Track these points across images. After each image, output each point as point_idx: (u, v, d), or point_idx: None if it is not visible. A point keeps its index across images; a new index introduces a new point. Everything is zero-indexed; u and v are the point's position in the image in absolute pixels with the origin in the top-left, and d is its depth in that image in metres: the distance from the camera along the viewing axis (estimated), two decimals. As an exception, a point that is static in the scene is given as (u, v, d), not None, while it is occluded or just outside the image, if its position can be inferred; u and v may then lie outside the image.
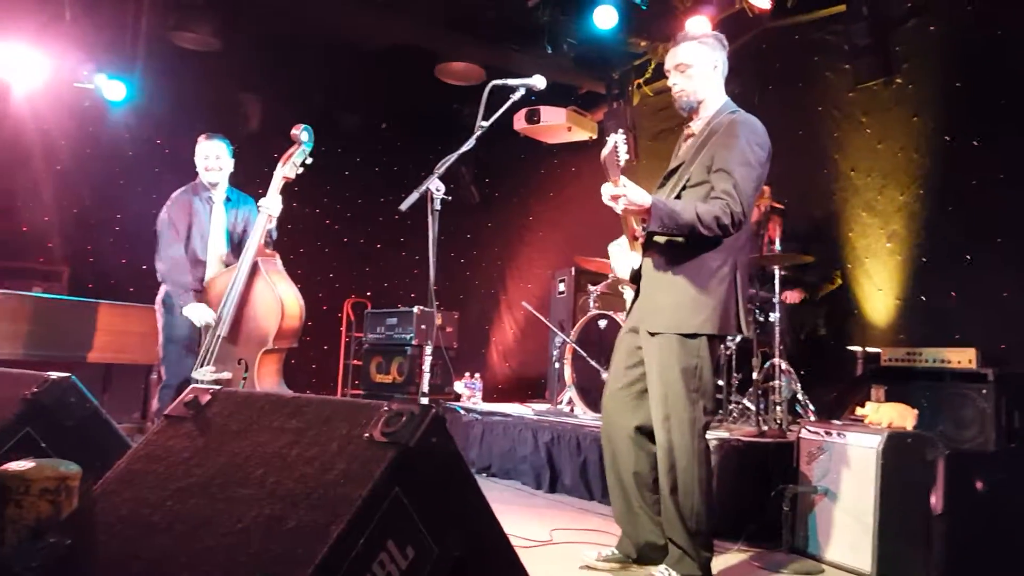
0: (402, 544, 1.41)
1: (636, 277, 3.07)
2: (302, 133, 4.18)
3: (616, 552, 3.12)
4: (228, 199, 4.47)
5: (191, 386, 1.86)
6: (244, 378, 3.96)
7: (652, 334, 2.91)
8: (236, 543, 1.38)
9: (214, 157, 4.37)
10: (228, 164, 4.45)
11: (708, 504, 2.85)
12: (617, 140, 2.71)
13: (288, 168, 4.15)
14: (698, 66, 3.00)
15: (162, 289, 4.37)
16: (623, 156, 2.72)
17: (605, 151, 2.67)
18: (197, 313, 4.09)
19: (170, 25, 6.51)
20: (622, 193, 2.72)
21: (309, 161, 4.22)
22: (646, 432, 3.00)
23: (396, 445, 1.43)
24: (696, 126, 3.07)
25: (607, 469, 3.15)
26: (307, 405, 1.63)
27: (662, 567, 2.86)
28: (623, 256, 3.15)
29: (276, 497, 1.44)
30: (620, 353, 3.11)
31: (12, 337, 5.52)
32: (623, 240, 3.14)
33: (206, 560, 1.38)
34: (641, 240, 3.01)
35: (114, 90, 6.73)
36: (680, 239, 2.86)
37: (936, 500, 1.57)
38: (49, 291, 6.19)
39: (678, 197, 2.94)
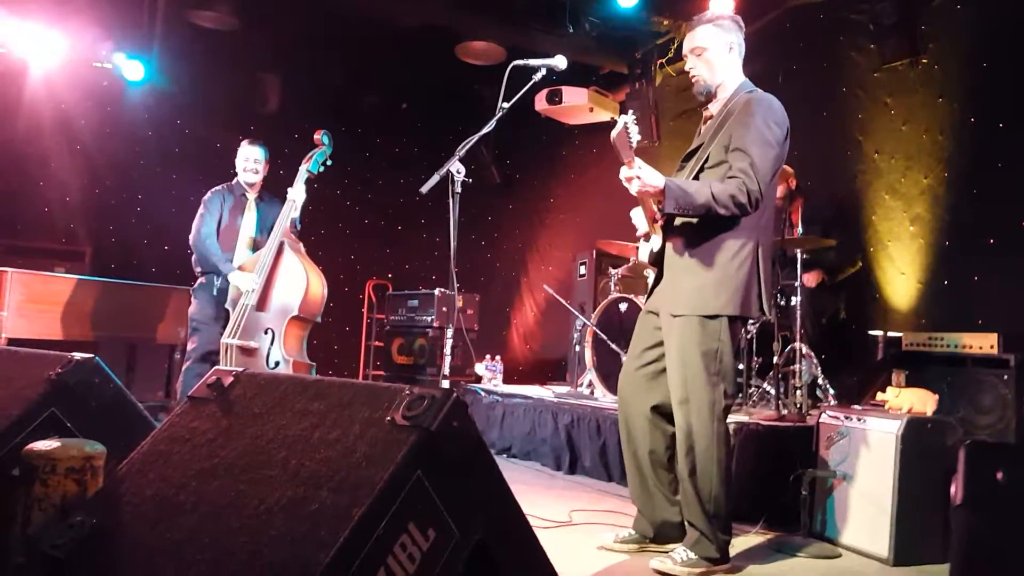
0: (423, 527, 1.42)
1: (656, 260, 3.06)
2: (323, 137, 4.63)
3: (633, 533, 3.14)
4: (260, 199, 4.88)
5: (215, 368, 1.87)
6: (271, 346, 4.26)
7: (673, 316, 2.90)
8: (259, 524, 1.40)
9: (252, 160, 4.81)
10: (264, 168, 4.86)
11: (727, 487, 2.86)
12: (627, 121, 2.70)
13: (312, 164, 4.60)
14: (713, 49, 3.00)
15: (197, 280, 4.72)
16: (635, 137, 2.71)
17: (615, 132, 2.67)
18: (242, 279, 4.41)
19: (188, 4, 6.52)
20: (635, 175, 2.72)
21: (329, 163, 4.68)
22: (662, 412, 3.02)
23: (418, 428, 1.44)
24: (714, 108, 3.07)
25: (624, 449, 3.17)
26: (329, 388, 1.64)
27: (680, 548, 2.88)
28: (644, 243, 3.15)
29: (299, 479, 1.45)
30: (639, 334, 3.12)
31: (37, 318, 5.59)
32: (639, 210, 3.11)
33: (230, 541, 1.39)
34: (661, 222, 2.99)
35: (133, 70, 6.74)
36: (697, 220, 2.86)
37: (956, 490, 1.56)
38: (72, 271, 6.24)
39: (696, 177, 2.93)
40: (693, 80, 3.02)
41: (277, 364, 4.20)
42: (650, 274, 3.21)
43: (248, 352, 4.24)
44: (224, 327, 4.39)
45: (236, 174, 4.86)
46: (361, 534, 1.32)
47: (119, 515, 1.57)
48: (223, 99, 7.33)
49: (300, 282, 4.33)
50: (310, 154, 4.60)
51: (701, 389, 2.82)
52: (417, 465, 1.40)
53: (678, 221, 2.95)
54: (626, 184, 2.78)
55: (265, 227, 4.79)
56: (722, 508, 2.84)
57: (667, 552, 2.93)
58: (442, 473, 1.45)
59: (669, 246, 3.00)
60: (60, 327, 5.66)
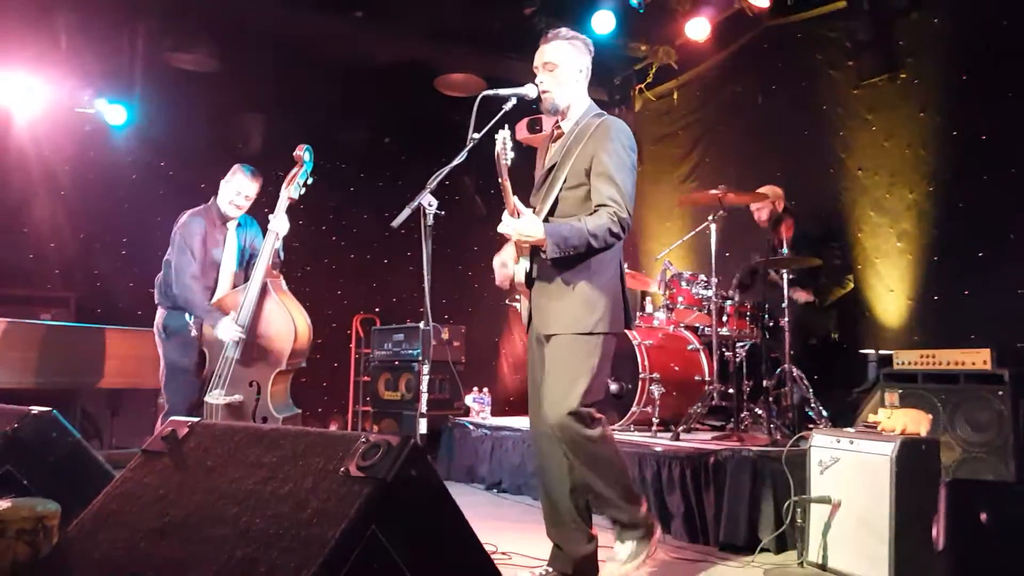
0: (381, 583, 1.34)
1: (530, 281, 3.06)
2: (304, 153, 4.34)
3: (550, 569, 3.07)
4: (239, 224, 4.53)
5: (170, 418, 1.80)
6: (257, 399, 4.03)
7: (548, 336, 2.94)
8: (207, 588, 1.33)
9: (244, 196, 4.42)
10: (252, 200, 4.50)
11: (624, 474, 2.94)
12: (504, 137, 2.77)
13: (293, 189, 4.27)
14: (565, 67, 3.03)
15: (160, 313, 4.41)
16: (510, 155, 2.78)
17: (497, 148, 2.78)
18: (226, 330, 4.07)
19: (167, 47, 6.52)
20: (510, 230, 2.84)
21: (310, 181, 4.36)
22: None
23: (372, 480, 1.37)
24: (565, 126, 3.09)
25: (537, 482, 3.18)
26: (284, 438, 1.57)
27: (616, 545, 2.97)
28: (513, 265, 3.13)
29: (249, 538, 1.38)
30: (531, 363, 3.13)
31: (21, 366, 5.51)
32: (509, 249, 3.16)
33: (176, 607, 1.32)
34: (528, 246, 2.99)
35: (115, 114, 6.72)
36: None
37: (937, 533, 1.48)
38: (57, 318, 6.18)
39: (556, 200, 2.98)
40: (543, 95, 3.02)
41: (264, 420, 3.98)
42: (522, 300, 3.16)
43: (233, 409, 3.99)
44: (200, 372, 4.15)
45: (215, 197, 4.46)
46: (312, 596, 1.24)
47: (65, 581, 1.50)
48: (206, 140, 7.29)
49: (288, 333, 4.07)
50: (291, 174, 4.26)
51: (576, 399, 2.81)
52: (372, 519, 1.33)
53: None
54: (506, 233, 2.86)
55: (244, 257, 4.49)
56: (628, 491, 2.93)
57: (607, 560, 2.97)
58: (400, 526, 1.38)
59: (536, 269, 3.01)
60: (43, 374, 5.58)
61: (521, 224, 2.81)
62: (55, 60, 6.31)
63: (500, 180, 2.82)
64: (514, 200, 2.87)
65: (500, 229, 2.87)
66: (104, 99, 6.68)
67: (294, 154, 4.34)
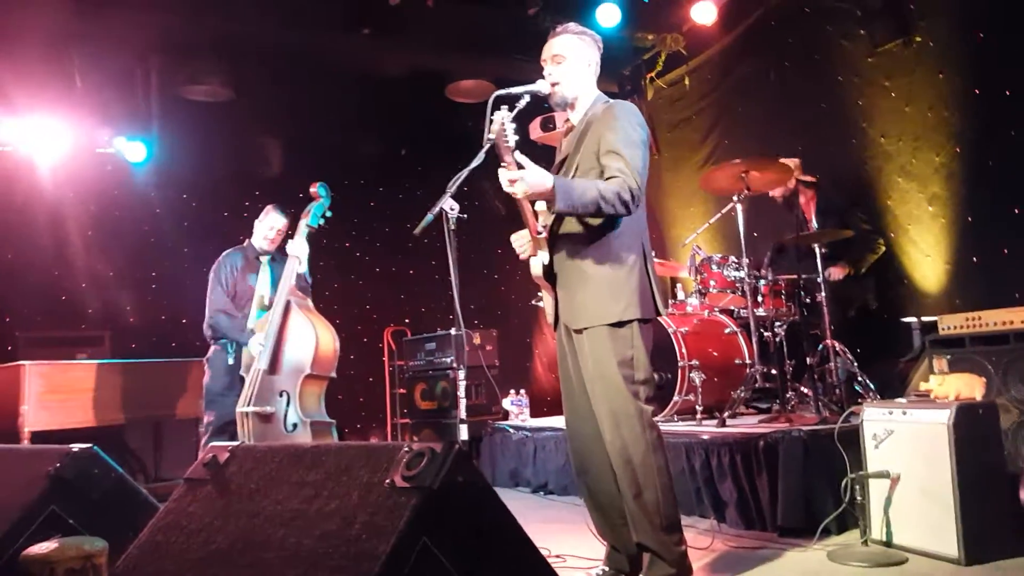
0: (437, 595, 1.30)
1: (548, 275, 2.97)
2: (319, 189, 4.60)
3: (607, 569, 3.00)
4: (273, 259, 4.90)
5: (210, 444, 1.78)
6: (287, 408, 4.19)
7: (579, 331, 2.85)
8: (260, 614, 1.29)
9: (276, 230, 4.83)
10: (282, 236, 4.88)
11: (670, 494, 2.76)
12: (503, 119, 2.66)
13: (311, 219, 4.56)
14: (573, 60, 2.99)
15: (211, 349, 4.78)
16: (511, 137, 2.66)
17: (494, 130, 2.65)
18: (256, 344, 4.36)
19: (180, 81, 6.59)
20: (518, 177, 2.64)
21: (328, 214, 4.64)
22: None
23: (419, 489, 1.33)
24: (575, 118, 3.05)
25: (577, 483, 3.08)
26: (325, 454, 1.53)
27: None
28: (532, 259, 3.03)
29: (299, 559, 1.35)
30: (564, 358, 3.03)
31: (59, 408, 5.55)
32: (525, 233, 3.03)
33: (230, 635, 1.29)
34: (545, 237, 2.91)
35: (134, 151, 6.83)
36: (583, 230, 2.83)
37: None
38: (93, 356, 6.23)
39: None
40: (552, 88, 2.98)
41: (295, 427, 4.10)
42: (545, 296, 3.06)
43: (265, 418, 4.14)
44: (239, 396, 4.31)
45: (249, 237, 4.90)
46: (368, 614, 1.21)
47: (117, 617, 1.47)
48: (225, 168, 7.37)
49: (310, 339, 4.24)
50: (308, 208, 4.56)
51: (625, 400, 2.74)
52: (422, 531, 1.29)
53: (563, 231, 2.90)
54: (509, 188, 2.69)
55: (277, 285, 4.74)
56: (671, 519, 2.74)
57: None
58: (451, 535, 1.34)
59: (558, 260, 2.93)
60: (84, 414, 5.63)
61: (529, 174, 2.65)
62: (72, 102, 6.39)
63: (504, 163, 2.68)
64: (521, 158, 2.72)
65: (506, 188, 2.70)
66: (123, 137, 6.78)
67: (310, 191, 4.59)
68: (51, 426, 5.43)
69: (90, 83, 6.41)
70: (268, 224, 4.83)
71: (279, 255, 4.88)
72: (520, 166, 2.69)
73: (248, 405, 4.16)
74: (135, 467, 6.15)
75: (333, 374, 4.39)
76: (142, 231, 7.14)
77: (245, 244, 4.89)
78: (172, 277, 6.92)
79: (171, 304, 7.02)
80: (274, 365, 4.25)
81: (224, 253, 4.84)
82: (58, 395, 5.55)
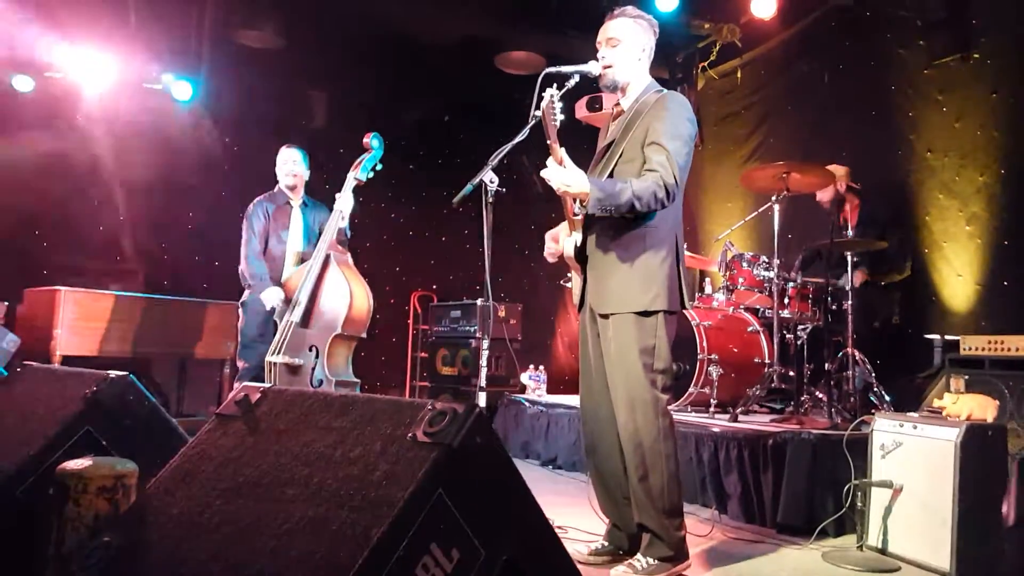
0: (446, 547, 1.38)
1: (580, 258, 3.03)
2: (372, 140, 4.51)
3: (607, 544, 3.10)
4: (304, 204, 4.87)
5: (242, 384, 1.86)
6: (315, 363, 4.19)
7: (606, 316, 2.91)
8: (280, 545, 1.38)
9: (292, 163, 4.80)
10: (305, 171, 4.86)
11: (676, 482, 2.85)
12: (553, 95, 2.74)
13: (360, 172, 4.48)
14: (628, 44, 3.00)
15: (245, 293, 4.70)
16: (559, 116, 2.74)
17: (543, 105, 2.75)
18: (268, 295, 4.43)
19: (234, 24, 6.64)
20: (557, 176, 2.75)
21: (379, 167, 4.56)
22: None
23: (439, 445, 1.40)
24: (625, 103, 3.07)
25: (587, 462, 3.15)
26: (353, 404, 1.61)
27: (639, 555, 2.86)
28: (565, 239, 3.11)
29: (321, 498, 1.43)
30: (586, 340, 3.09)
31: (91, 334, 5.71)
32: (562, 227, 3.13)
33: (251, 562, 1.38)
34: (580, 218, 2.98)
35: (181, 90, 6.90)
36: (619, 218, 2.87)
37: (1008, 509, 1.48)
38: (126, 289, 6.38)
39: (612, 173, 2.96)
40: (604, 69, 3.00)
41: (320, 383, 4.14)
42: (574, 278, 3.12)
43: (293, 370, 4.18)
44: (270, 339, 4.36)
45: (277, 182, 4.87)
46: (381, 555, 1.28)
47: (147, 535, 1.57)
48: (269, 116, 7.42)
49: (344, 298, 4.23)
50: (359, 159, 4.50)
51: (642, 387, 2.82)
52: (439, 483, 1.37)
53: (598, 218, 2.93)
54: (547, 175, 2.79)
55: (312, 236, 4.77)
56: (674, 504, 2.83)
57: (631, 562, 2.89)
58: (465, 490, 1.41)
59: (591, 245, 2.99)
60: (112, 344, 5.78)
61: (565, 173, 2.76)
62: (124, 36, 6.46)
63: (548, 142, 2.77)
64: (562, 153, 2.81)
65: (543, 173, 2.81)
66: (171, 75, 6.84)
67: (363, 141, 4.51)
68: (81, 351, 5.59)
69: (144, 17, 6.47)
70: (284, 159, 4.81)
71: (312, 200, 4.90)
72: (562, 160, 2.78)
73: (278, 355, 4.19)
74: (159, 401, 6.31)
75: (364, 334, 4.38)
76: (183, 170, 7.19)
77: (276, 191, 4.86)
78: (208, 219, 7.01)
79: (205, 246, 7.12)
80: (307, 319, 4.26)
81: (254, 202, 4.82)
82: (90, 322, 5.70)
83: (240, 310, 4.71)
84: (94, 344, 5.71)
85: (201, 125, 7.24)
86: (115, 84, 6.71)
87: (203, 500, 1.57)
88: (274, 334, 4.39)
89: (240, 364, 4.63)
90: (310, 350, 4.23)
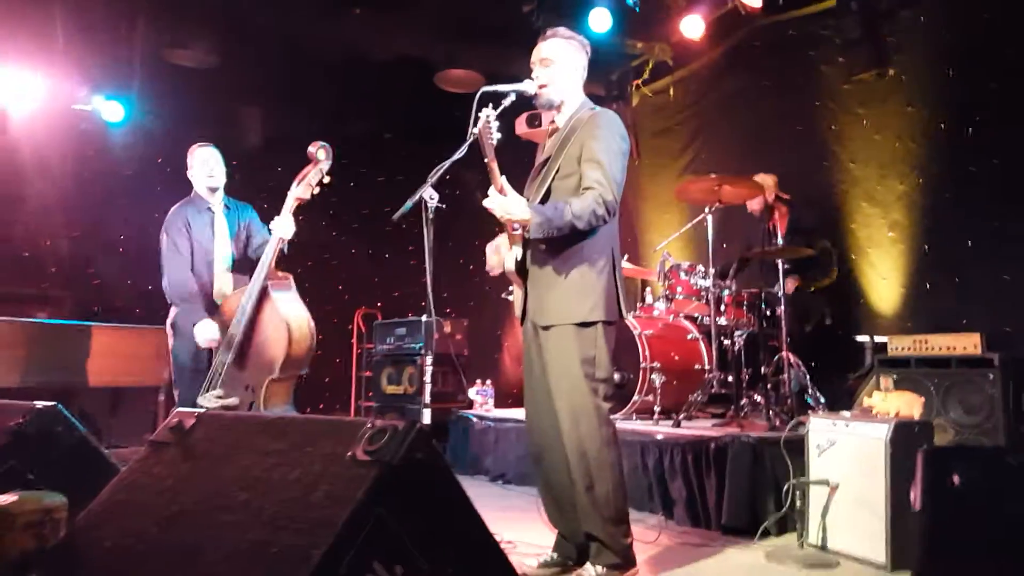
0: (389, 564, 1.38)
1: (520, 271, 3.07)
2: (319, 151, 4.01)
3: (555, 556, 3.11)
4: (227, 207, 4.39)
5: (175, 410, 1.83)
6: (251, 404, 3.81)
7: (546, 328, 2.95)
8: (220, 572, 1.36)
9: (213, 162, 4.32)
10: (224, 171, 4.38)
11: (622, 490, 2.89)
12: (489, 115, 2.80)
13: (302, 189, 3.97)
14: (562, 63, 3.07)
15: (172, 311, 4.25)
16: (495, 135, 2.81)
17: (479, 126, 2.80)
18: (202, 331, 3.97)
19: (165, 43, 6.51)
20: (498, 205, 2.83)
21: (326, 180, 4.06)
22: None
23: (379, 463, 1.41)
24: (560, 120, 3.14)
25: (535, 472, 3.18)
26: (291, 425, 1.60)
27: (587, 565, 2.89)
28: (506, 252, 3.15)
29: (260, 522, 1.41)
30: (529, 352, 3.12)
31: (16, 365, 5.48)
32: (503, 237, 3.18)
33: (189, 589, 1.36)
34: (520, 233, 3.03)
35: (112, 111, 6.72)
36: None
37: (915, 496, 1.57)
38: (53, 316, 6.18)
39: (548, 190, 3.02)
40: (539, 90, 3.05)
41: None
42: (515, 290, 3.18)
43: (228, 410, 3.76)
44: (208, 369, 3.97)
45: (193, 187, 4.38)
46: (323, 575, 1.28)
47: (78, 569, 1.53)
48: (203, 136, 7.21)
49: (282, 340, 3.77)
50: (302, 172, 3.99)
51: (585, 397, 2.86)
52: (379, 501, 1.37)
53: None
54: (491, 211, 2.86)
55: (240, 244, 4.33)
56: (620, 511, 2.87)
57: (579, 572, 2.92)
58: (407, 507, 1.41)
59: (530, 258, 3.04)
60: (39, 374, 5.54)
61: (506, 201, 2.83)
62: (52, 56, 6.27)
63: (486, 160, 2.82)
64: (502, 180, 2.87)
65: (485, 203, 2.87)
66: (101, 96, 6.68)
67: (308, 151, 4.02)
68: (5, 384, 5.33)
69: (73, 38, 6.31)
70: (201, 160, 4.30)
71: (233, 202, 4.42)
72: (501, 171, 2.84)
73: (212, 395, 3.79)
74: (90, 431, 6.11)
75: (305, 371, 3.99)
76: (113, 193, 6.99)
77: (193, 196, 4.34)
78: (140, 242, 6.79)
79: (138, 269, 6.90)
80: (242, 360, 3.85)
81: (172, 209, 4.29)
82: (14, 351, 5.47)
83: (170, 331, 4.20)
84: (20, 375, 5.48)
85: (133, 146, 7.07)
86: (43, 106, 6.52)
87: (138, 530, 1.54)
88: (208, 356, 4.00)
89: (176, 391, 4.19)
90: (246, 389, 3.84)
